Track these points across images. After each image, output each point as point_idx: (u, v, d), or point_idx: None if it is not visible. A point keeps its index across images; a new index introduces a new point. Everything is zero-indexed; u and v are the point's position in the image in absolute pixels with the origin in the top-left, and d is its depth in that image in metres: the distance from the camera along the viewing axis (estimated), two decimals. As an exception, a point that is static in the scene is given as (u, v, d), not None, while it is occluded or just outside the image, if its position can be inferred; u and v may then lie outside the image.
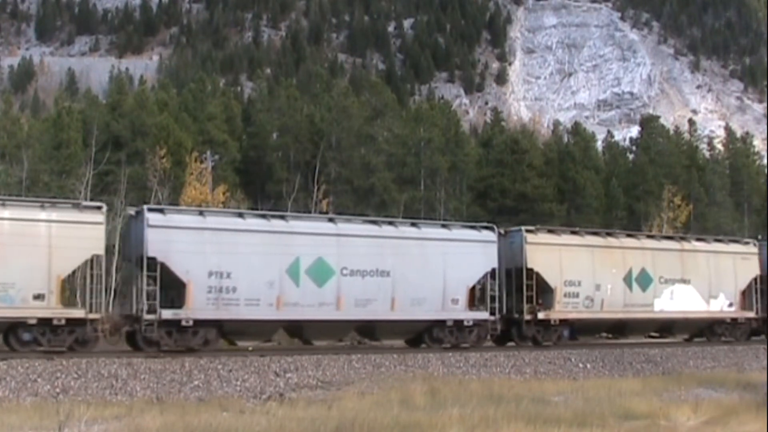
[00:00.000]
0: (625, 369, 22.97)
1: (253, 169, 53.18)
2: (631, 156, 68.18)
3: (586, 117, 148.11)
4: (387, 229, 23.47)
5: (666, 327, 28.63)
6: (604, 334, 28.99)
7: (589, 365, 22.92)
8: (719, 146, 74.80)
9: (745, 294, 29.43)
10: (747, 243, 30.79)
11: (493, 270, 24.12)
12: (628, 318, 26.81)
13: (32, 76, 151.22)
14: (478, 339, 23.96)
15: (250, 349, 22.25)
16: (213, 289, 20.39)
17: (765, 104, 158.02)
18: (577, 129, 72.27)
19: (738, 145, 72.25)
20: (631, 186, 59.77)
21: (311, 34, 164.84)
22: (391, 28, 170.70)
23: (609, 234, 28.46)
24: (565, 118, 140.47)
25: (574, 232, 27.70)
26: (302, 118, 55.11)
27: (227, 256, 20.63)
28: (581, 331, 26.80)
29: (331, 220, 23.66)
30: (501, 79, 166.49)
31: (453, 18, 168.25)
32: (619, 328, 27.78)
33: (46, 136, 47.88)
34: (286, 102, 56.91)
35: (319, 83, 67.94)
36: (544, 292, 25.21)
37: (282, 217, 22.90)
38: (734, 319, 29.05)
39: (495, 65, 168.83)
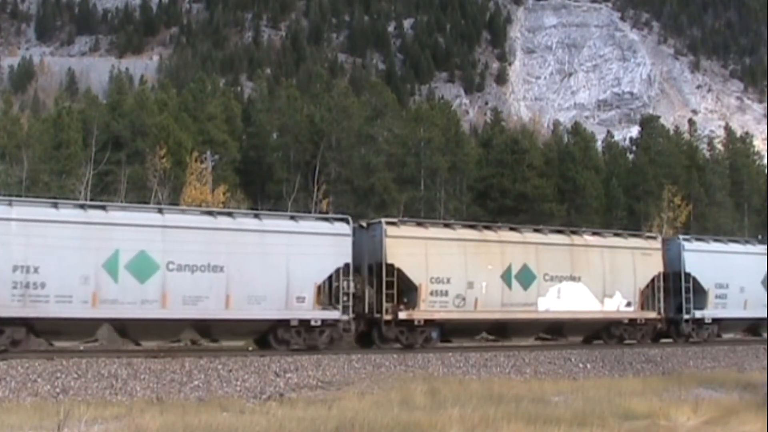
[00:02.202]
0: (625, 369, 22.95)
1: (253, 169, 53.24)
2: (631, 156, 68.31)
3: (586, 117, 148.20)
4: (222, 221, 21.42)
5: (555, 328, 26.41)
6: (485, 336, 26.73)
7: (589, 365, 22.90)
8: (719, 146, 74.95)
9: (647, 293, 27.11)
10: (649, 238, 28.42)
11: (346, 265, 22.04)
12: (507, 318, 24.55)
13: (32, 76, 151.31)
14: (330, 341, 21.93)
15: (250, 349, 22.25)
16: (18, 284, 18.78)
17: (765, 104, 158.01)
18: (577, 129, 72.36)
19: (738, 145, 72.39)
20: (631, 186, 59.86)
21: (311, 34, 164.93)
22: (391, 28, 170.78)
23: (486, 227, 25.89)
24: (565, 118, 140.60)
25: (446, 225, 25.59)
26: (302, 118, 55.19)
27: (35, 249, 19.03)
28: (454, 332, 24.63)
29: (159, 211, 21.65)
30: (501, 79, 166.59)
31: (453, 18, 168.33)
32: (500, 330, 25.64)
33: (46, 136, 47.98)
34: (286, 102, 57.02)
35: (319, 83, 68.04)
36: (409, 290, 23.01)
37: (102, 207, 21.12)
38: (633, 320, 26.73)
39: (495, 65, 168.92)
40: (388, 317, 22.51)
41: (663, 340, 27.84)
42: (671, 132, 73.54)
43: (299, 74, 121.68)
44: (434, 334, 23.62)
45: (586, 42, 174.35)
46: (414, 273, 22.90)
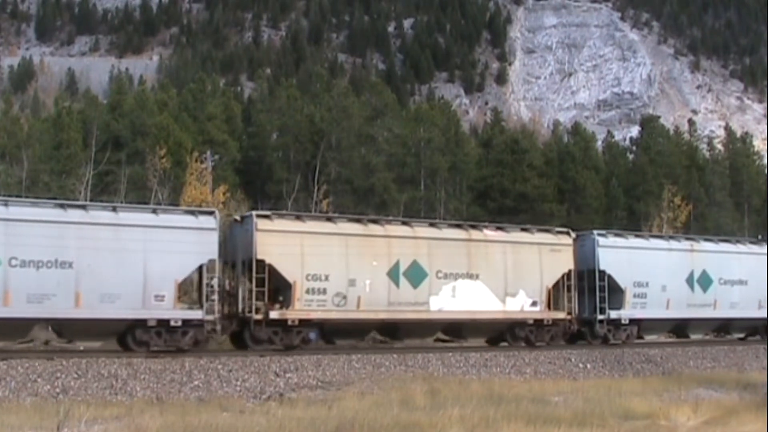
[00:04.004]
0: (625, 369, 22.97)
1: (253, 169, 53.19)
2: (631, 156, 68.27)
3: (586, 117, 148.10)
4: (72, 214, 20.10)
5: (452, 329, 24.87)
6: (375, 337, 25.31)
7: (589, 365, 22.92)
8: (719, 146, 74.87)
9: (557, 292, 25.53)
10: (560, 233, 26.25)
11: (211, 261, 20.94)
12: (394, 318, 23.14)
13: (32, 76, 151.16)
14: (195, 342, 20.66)
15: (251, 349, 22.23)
16: None
17: (765, 104, 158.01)
18: (577, 129, 72.39)
19: (738, 145, 72.30)
20: (631, 186, 59.83)
21: (311, 34, 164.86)
22: (391, 28, 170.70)
23: (373, 221, 24.33)
24: (565, 118, 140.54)
25: (328, 219, 24.21)
26: (302, 118, 55.11)
27: None
28: (336, 333, 23.22)
29: (5, 203, 20.17)
30: (501, 79, 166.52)
31: (453, 18, 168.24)
32: (390, 330, 24.23)
33: (46, 136, 47.97)
34: (286, 102, 56.92)
35: (319, 83, 67.95)
36: (284, 288, 21.76)
37: None
38: (540, 321, 24.99)
39: (495, 65, 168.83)
40: (259, 317, 21.25)
41: (579, 342, 26.43)
42: (671, 132, 73.47)
43: (299, 74, 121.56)
44: (312, 335, 22.26)
45: (586, 42, 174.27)
46: (287, 269, 21.60)
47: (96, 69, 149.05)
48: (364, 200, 49.76)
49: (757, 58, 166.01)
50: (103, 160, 43.06)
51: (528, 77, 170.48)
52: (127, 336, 20.34)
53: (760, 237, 36.33)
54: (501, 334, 25.27)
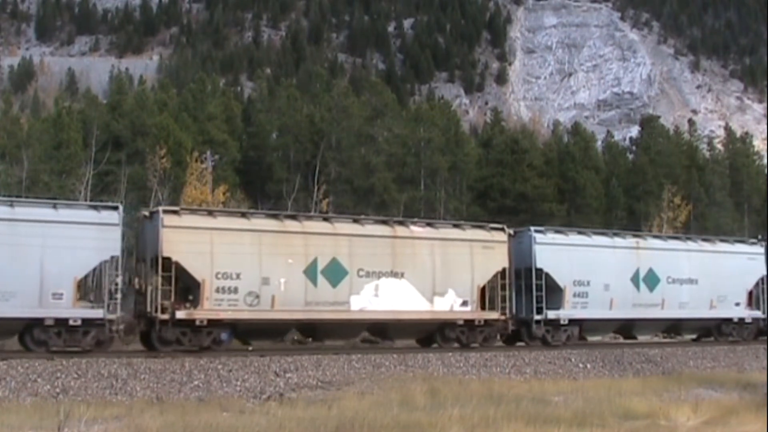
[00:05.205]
0: (625, 369, 22.97)
1: (253, 169, 53.21)
2: (631, 156, 68.31)
3: (586, 117, 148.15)
4: None
5: (376, 329, 24.00)
6: (298, 338, 24.62)
7: (589, 365, 22.91)
8: (719, 146, 74.90)
9: (491, 291, 24.45)
10: (494, 229, 25.07)
11: (113, 258, 20.15)
12: (312, 319, 22.26)
13: (32, 76, 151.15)
14: (98, 343, 19.81)
15: (250, 348, 22.23)
16: None
17: (765, 104, 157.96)
18: (577, 129, 72.47)
19: (738, 145, 72.34)
20: (631, 186, 59.89)
21: (311, 34, 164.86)
22: (391, 28, 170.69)
23: (291, 217, 23.49)
24: (565, 118, 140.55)
25: (243, 215, 23.25)
26: (302, 118, 55.13)
27: None
28: (250, 334, 22.40)
29: None
30: (501, 79, 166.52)
31: (453, 18, 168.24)
32: (309, 330, 23.44)
33: (46, 136, 47.90)
34: (286, 102, 56.96)
35: (319, 83, 68.01)
36: (193, 286, 20.99)
37: None
38: (471, 321, 23.93)
39: (495, 65, 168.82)
40: (166, 317, 20.47)
41: (518, 344, 25.54)
42: (671, 132, 73.53)
43: (299, 74, 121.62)
44: (224, 336, 21.40)
45: (586, 42, 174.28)
46: (195, 267, 20.81)
47: (96, 69, 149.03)
48: (364, 200, 49.77)
49: (757, 58, 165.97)
50: (103, 160, 43.07)
51: (528, 77, 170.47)
52: (25, 336, 19.72)
53: (760, 237, 36.24)
54: (431, 335, 24.34)
